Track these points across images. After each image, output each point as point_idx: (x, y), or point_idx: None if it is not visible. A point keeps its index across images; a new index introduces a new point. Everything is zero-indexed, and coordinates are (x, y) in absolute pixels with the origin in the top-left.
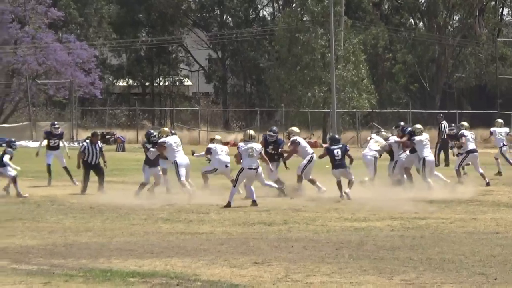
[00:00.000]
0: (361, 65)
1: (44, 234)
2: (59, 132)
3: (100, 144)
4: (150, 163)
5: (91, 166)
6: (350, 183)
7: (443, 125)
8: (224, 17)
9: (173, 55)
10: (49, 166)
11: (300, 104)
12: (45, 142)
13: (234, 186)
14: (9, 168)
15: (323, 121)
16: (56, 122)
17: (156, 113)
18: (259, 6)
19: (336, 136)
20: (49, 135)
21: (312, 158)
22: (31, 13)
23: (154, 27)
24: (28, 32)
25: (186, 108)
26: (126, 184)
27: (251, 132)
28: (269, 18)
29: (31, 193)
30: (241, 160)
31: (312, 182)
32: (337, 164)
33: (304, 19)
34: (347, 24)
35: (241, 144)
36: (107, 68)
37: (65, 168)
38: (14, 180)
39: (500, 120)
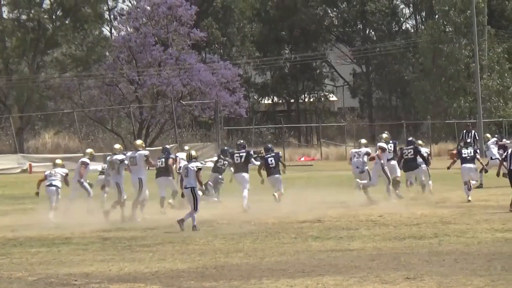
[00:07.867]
0: (506, 74)
1: (194, 256)
2: None
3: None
4: None
5: None
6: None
7: None
8: (367, 31)
9: (317, 71)
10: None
11: (446, 116)
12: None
13: None
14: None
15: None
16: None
17: (302, 130)
18: (401, 19)
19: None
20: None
21: None
22: (174, 35)
23: (297, 43)
24: (172, 54)
25: (332, 124)
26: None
27: None
28: (412, 31)
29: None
30: None
31: None
32: None
33: (447, 30)
34: (490, 34)
35: None
36: (252, 86)
37: None
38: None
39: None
